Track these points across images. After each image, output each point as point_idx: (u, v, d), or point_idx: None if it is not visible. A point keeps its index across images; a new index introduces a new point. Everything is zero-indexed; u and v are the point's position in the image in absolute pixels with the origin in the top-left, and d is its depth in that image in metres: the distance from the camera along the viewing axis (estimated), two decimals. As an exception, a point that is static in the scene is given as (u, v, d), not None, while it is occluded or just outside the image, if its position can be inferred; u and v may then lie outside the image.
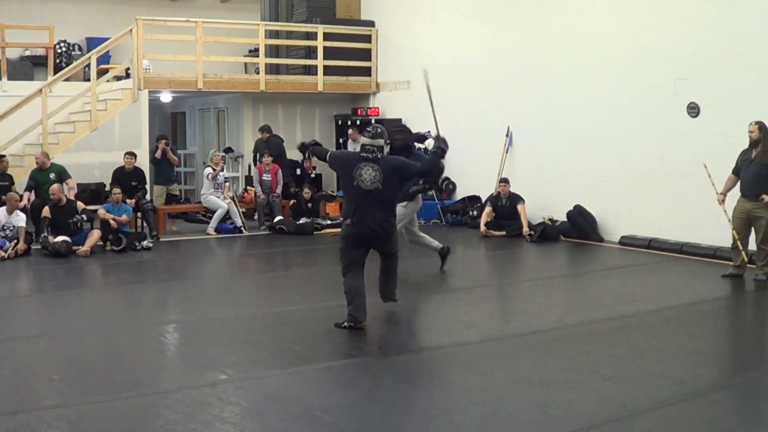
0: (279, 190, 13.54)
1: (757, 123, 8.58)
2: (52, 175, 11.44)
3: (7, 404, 4.93)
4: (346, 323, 6.65)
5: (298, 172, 15.03)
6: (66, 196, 11.06)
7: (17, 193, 11.17)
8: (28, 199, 11.32)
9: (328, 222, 13.22)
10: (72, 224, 10.64)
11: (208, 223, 12.79)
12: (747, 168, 8.61)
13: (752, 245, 8.75)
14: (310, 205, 13.51)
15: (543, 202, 12.25)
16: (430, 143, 13.83)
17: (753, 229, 8.65)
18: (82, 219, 10.75)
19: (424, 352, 6.23)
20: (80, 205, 10.97)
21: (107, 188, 12.51)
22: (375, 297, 7.31)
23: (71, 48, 16.77)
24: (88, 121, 12.92)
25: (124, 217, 11.23)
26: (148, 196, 12.44)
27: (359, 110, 15.71)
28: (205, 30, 13.93)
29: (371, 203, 6.62)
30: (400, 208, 8.48)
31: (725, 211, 8.88)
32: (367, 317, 6.70)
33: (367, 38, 15.73)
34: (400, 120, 15.02)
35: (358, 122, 15.32)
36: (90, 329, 6.97)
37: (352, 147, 14.27)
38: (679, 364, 5.80)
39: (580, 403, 4.96)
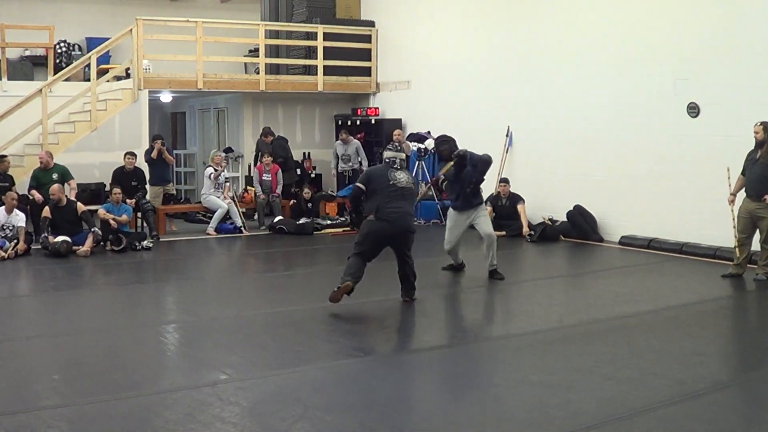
0: (279, 190, 13.54)
1: (762, 123, 8.59)
2: (55, 175, 11.44)
3: (7, 404, 4.93)
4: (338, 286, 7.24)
5: (298, 172, 15.04)
6: (67, 196, 11.05)
7: (17, 193, 11.17)
8: (41, 198, 11.23)
9: (328, 222, 13.22)
10: (92, 236, 10.64)
11: (208, 223, 12.79)
12: (751, 168, 8.65)
13: (756, 245, 8.77)
14: (310, 205, 13.51)
15: (543, 202, 12.24)
16: (429, 143, 13.85)
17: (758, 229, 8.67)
18: (98, 232, 10.76)
19: (423, 352, 6.23)
20: (80, 206, 10.96)
21: (107, 188, 12.51)
22: (376, 296, 7.31)
23: (71, 48, 16.77)
24: (88, 121, 12.92)
25: (124, 217, 11.23)
26: (147, 197, 12.43)
27: (359, 110, 15.71)
28: (205, 30, 13.93)
29: (404, 197, 7.53)
30: (484, 211, 9.08)
31: (732, 211, 8.90)
32: (355, 285, 7.20)
33: (367, 38, 15.73)
34: (399, 120, 15.04)
35: (358, 122, 15.34)
36: (90, 329, 6.97)
37: (343, 149, 14.35)
38: (679, 364, 5.80)
39: (580, 403, 4.96)
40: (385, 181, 7.52)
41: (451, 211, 9.19)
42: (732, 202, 8.89)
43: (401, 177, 7.59)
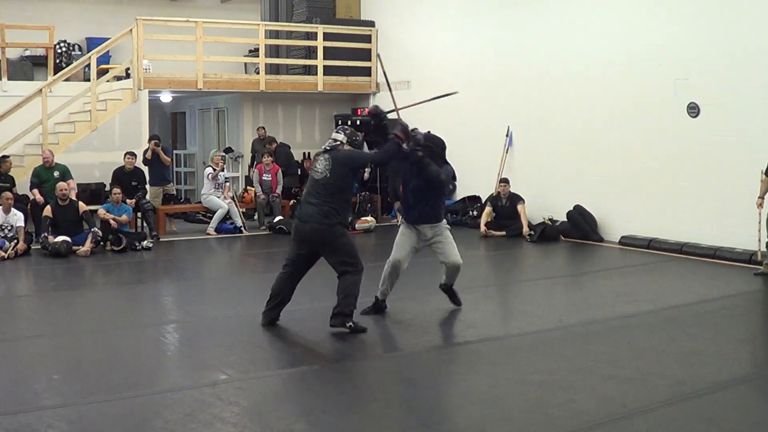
0: (279, 190, 13.54)
1: None
2: (56, 173, 11.48)
3: (7, 404, 4.93)
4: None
5: (299, 172, 15.04)
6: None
7: (16, 193, 11.18)
8: (42, 198, 11.25)
9: (328, 222, 13.19)
10: (92, 236, 10.63)
11: (208, 223, 12.79)
12: None
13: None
14: (310, 205, 13.49)
15: (543, 202, 12.25)
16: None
17: None
18: (98, 232, 10.76)
19: (424, 352, 6.23)
20: (82, 205, 10.97)
21: (107, 188, 12.51)
22: (374, 297, 7.30)
23: (71, 48, 16.77)
24: (88, 121, 12.93)
25: (124, 217, 11.23)
26: (147, 197, 12.43)
27: (359, 110, 15.71)
28: (205, 30, 13.93)
29: (317, 192, 6.60)
30: (448, 232, 7.14)
31: (759, 214, 8.90)
32: (270, 323, 6.70)
33: (367, 38, 15.73)
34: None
35: (358, 122, 15.33)
36: (90, 329, 6.97)
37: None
38: (679, 364, 5.80)
39: (580, 403, 4.96)
40: (312, 170, 6.74)
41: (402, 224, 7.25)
42: (760, 205, 8.84)
43: (319, 167, 6.64)
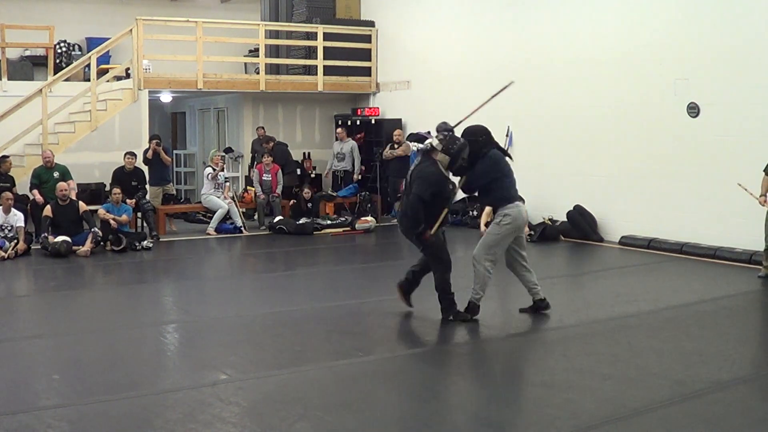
0: (279, 190, 13.54)
1: None
2: (56, 174, 11.49)
3: (7, 404, 4.93)
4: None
5: (299, 172, 15.04)
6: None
7: (16, 193, 11.18)
8: (42, 198, 11.26)
9: (328, 222, 13.21)
10: (92, 236, 10.62)
11: (208, 223, 12.79)
12: None
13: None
14: (310, 205, 13.52)
15: (543, 202, 12.24)
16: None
17: None
18: (98, 232, 10.75)
19: (423, 352, 6.23)
20: (82, 205, 10.97)
21: (107, 188, 12.51)
22: (376, 296, 7.31)
23: (71, 48, 16.77)
24: (88, 121, 12.93)
25: (124, 217, 11.23)
26: (147, 197, 12.42)
27: (359, 110, 15.71)
28: (205, 30, 13.93)
29: (405, 192, 6.98)
30: (495, 224, 7.02)
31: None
32: (409, 305, 7.17)
33: (367, 38, 15.73)
34: (399, 120, 15.01)
35: (358, 122, 15.34)
36: (90, 329, 6.97)
37: (339, 147, 14.42)
38: (679, 364, 5.80)
39: (580, 403, 4.96)
40: None
41: None
42: (765, 203, 8.80)
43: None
